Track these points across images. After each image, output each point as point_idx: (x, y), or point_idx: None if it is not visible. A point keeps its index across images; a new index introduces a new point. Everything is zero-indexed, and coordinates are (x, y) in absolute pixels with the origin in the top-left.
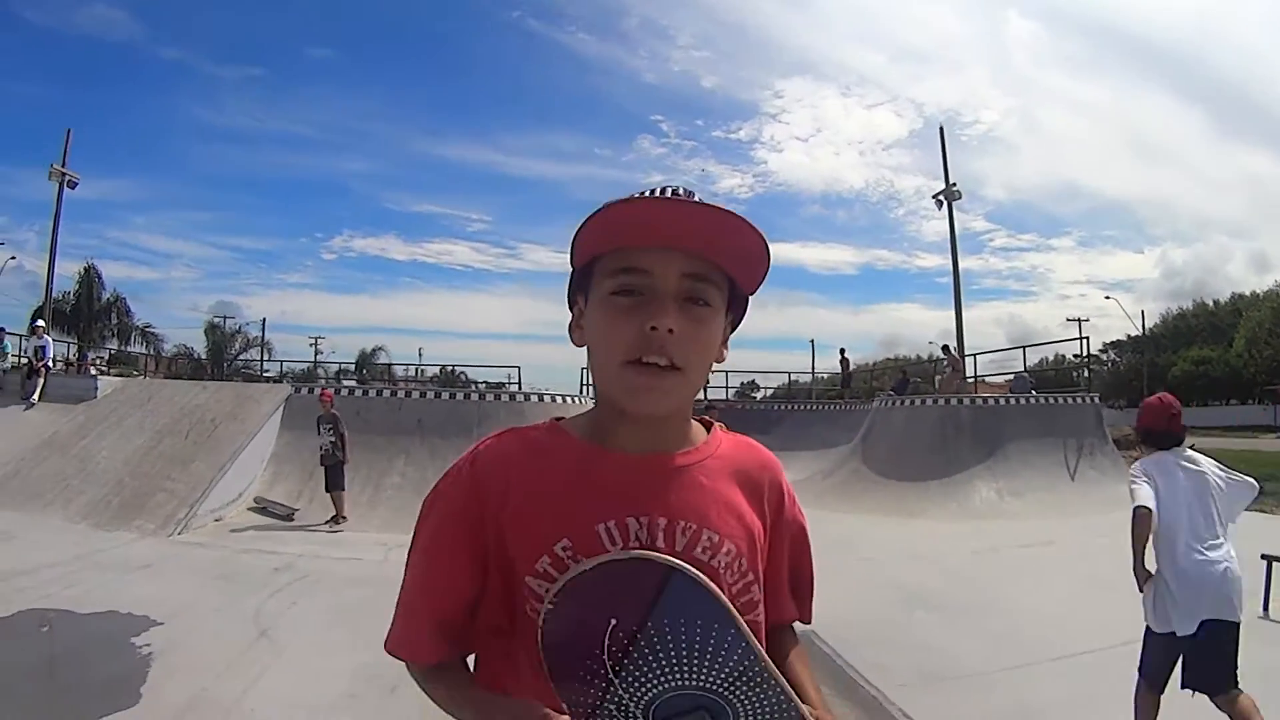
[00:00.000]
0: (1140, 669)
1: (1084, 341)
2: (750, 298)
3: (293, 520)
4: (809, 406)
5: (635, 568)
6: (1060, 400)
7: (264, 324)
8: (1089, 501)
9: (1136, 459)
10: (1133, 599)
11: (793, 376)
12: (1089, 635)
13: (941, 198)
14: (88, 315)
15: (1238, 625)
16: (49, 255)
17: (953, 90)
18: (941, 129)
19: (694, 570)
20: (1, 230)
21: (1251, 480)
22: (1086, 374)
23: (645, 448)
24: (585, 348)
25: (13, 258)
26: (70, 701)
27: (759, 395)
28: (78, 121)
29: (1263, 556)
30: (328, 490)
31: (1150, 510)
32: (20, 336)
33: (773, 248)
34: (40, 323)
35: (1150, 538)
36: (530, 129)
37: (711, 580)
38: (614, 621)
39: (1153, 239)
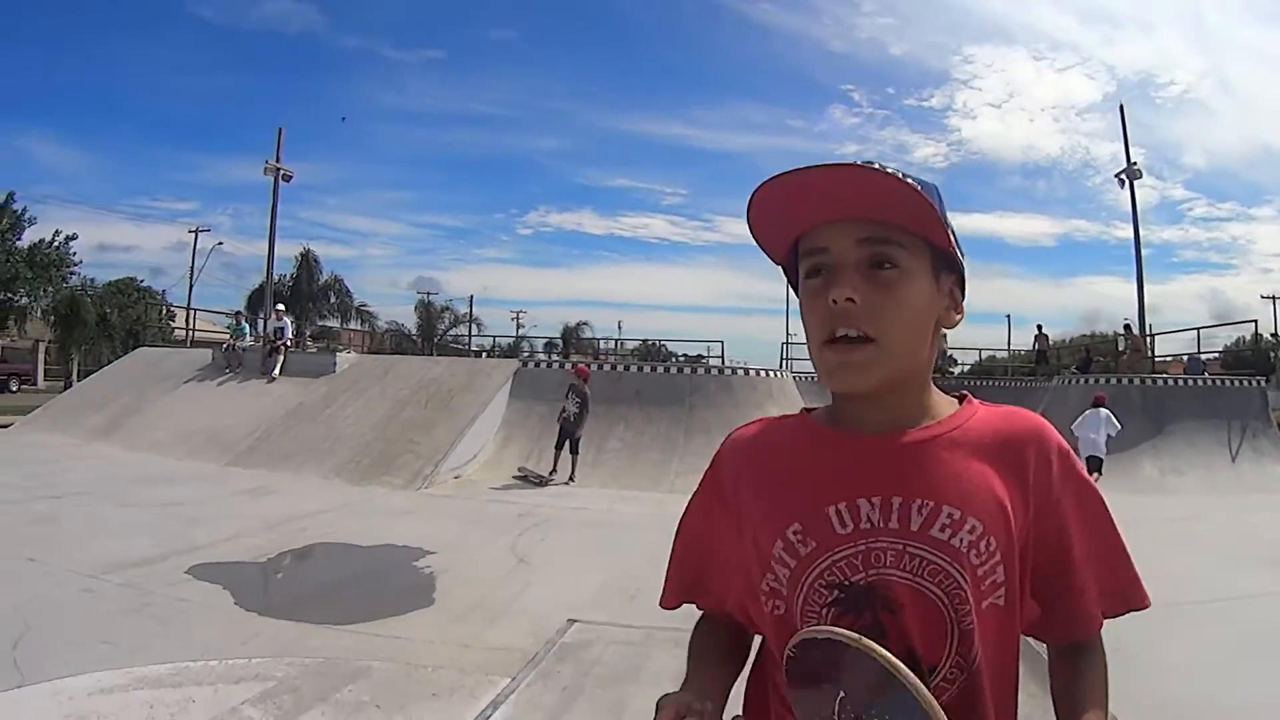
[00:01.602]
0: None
1: (1255, 324)
2: (960, 253)
3: (545, 486)
4: (1002, 384)
5: (857, 655)
6: (1226, 383)
7: (471, 301)
8: (1246, 483)
9: None
10: (1244, 568)
11: (987, 353)
12: (1196, 589)
13: (1124, 176)
14: (307, 295)
15: (1096, 458)
16: (269, 244)
17: (1145, 52)
18: (1121, 108)
19: (913, 678)
20: (193, 214)
21: (1116, 424)
22: (1272, 356)
23: (881, 426)
24: None
25: (220, 243)
26: (379, 602)
27: (956, 371)
28: (262, 110)
29: None
30: (571, 452)
31: (1070, 430)
32: (240, 315)
33: (969, 219)
34: (280, 306)
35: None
36: (719, 101)
37: (953, 559)
38: (842, 694)
39: None
